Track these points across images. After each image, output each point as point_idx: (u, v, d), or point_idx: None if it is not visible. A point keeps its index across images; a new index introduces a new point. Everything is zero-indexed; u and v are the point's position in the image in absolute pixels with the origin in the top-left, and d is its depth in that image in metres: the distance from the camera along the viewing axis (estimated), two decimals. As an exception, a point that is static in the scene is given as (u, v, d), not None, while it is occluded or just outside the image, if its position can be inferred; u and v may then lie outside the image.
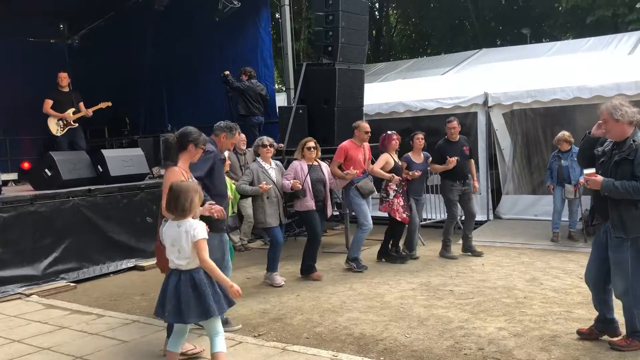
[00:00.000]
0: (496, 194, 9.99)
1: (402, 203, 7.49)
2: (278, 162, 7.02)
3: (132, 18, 12.40)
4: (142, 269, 7.69)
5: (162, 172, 9.48)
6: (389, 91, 11.62)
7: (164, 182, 4.24)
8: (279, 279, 6.74)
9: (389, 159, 7.57)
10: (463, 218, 8.06)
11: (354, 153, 7.36)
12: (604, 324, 4.52)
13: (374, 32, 24.86)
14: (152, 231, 7.77)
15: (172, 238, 3.86)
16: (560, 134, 8.33)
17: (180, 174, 4.24)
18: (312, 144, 6.97)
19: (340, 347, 4.69)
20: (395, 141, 7.60)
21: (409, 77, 13.50)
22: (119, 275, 7.50)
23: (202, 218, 4.14)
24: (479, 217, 8.75)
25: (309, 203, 6.81)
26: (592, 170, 4.28)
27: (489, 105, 9.83)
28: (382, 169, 7.49)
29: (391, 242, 7.72)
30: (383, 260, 7.66)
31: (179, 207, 3.80)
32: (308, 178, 6.82)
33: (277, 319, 5.48)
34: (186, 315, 3.77)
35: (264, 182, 6.53)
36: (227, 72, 10.11)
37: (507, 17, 23.32)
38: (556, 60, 12.02)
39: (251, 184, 6.61)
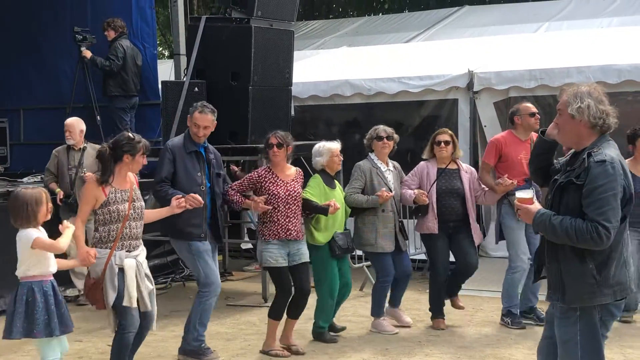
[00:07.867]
0: (483, 222, 10.06)
1: None
2: (396, 163, 7.39)
3: None
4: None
5: None
6: (329, 64, 11.75)
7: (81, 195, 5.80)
8: (388, 325, 7.29)
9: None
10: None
11: (512, 151, 7.31)
12: None
13: (305, -26, 25.05)
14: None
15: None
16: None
17: (94, 188, 5.42)
18: (445, 137, 7.27)
19: None
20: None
21: (357, 44, 13.69)
22: None
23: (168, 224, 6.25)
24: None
25: (429, 224, 7.18)
26: (529, 194, 4.16)
27: (475, 89, 10.04)
28: None
29: None
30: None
31: (16, 215, 5.12)
32: (434, 188, 7.17)
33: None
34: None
35: (384, 189, 6.95)
36: (85, 49, 10.01)
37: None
38: (571, 27, 12.45)
39: (363, 192, 7.01)
